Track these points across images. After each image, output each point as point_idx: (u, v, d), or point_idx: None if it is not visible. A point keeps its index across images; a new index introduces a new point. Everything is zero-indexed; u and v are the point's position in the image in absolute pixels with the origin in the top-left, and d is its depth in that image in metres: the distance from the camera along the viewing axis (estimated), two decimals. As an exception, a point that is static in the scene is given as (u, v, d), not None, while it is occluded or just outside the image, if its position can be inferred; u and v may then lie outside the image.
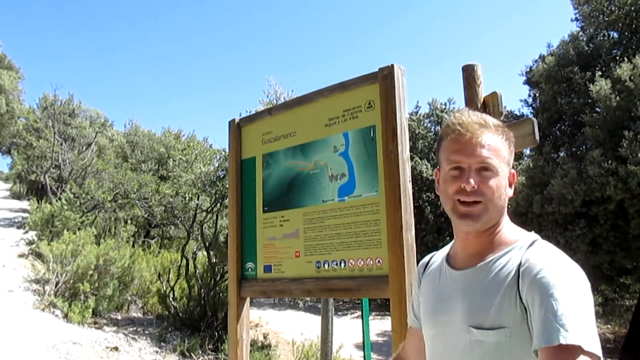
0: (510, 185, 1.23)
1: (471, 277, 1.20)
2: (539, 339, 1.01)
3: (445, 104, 17.15)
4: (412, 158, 14.84)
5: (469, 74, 2.66)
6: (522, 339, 1.07)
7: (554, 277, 1.03)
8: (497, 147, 1.18)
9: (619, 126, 8.05)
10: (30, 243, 10.95)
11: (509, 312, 1.08)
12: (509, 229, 1.24)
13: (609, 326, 13.13)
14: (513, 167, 1.26)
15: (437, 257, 1.41)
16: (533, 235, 1.21)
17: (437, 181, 1.29)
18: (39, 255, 9.63)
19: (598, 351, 0.97)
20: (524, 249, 1.15)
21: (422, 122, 16.96)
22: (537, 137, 2.50)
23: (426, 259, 1.47)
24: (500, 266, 1.15)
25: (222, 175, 8.75)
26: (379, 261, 2.35)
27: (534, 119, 2.51)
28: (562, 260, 1.09)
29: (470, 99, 2.59)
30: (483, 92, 2.65)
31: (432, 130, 16.76)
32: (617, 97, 8.11)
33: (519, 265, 1.11)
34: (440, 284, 1.30)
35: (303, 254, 2.66)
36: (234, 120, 3.17)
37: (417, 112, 17.42)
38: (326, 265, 2.54)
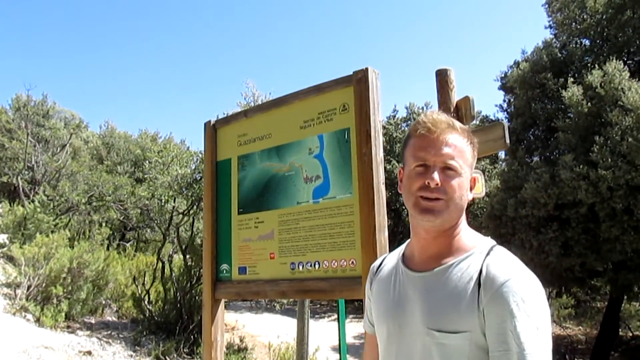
0: (470, 189, 1.25)
1: (431, 280, 1.22)
2: (498, 352, 1.07)
3: (423, 108, 17.33)
4: (389, 162, 14.96)
5: (442, 78, 2.71)
6: (482, 343, 1.11)
7: (515, 292, 1.08)
8: (462, 149, 1.22)
9: (590, 131, 8.23)
10: (1, 246, 10.71)
11: (470, 318, 1.11)
12: (466, 233, 1.27)
13: (580, 328, 13.38)
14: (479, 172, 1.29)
15: (390, 259, 1.43)
16: (490, 241, 1.25)
17: (400, 179, 1.32)
18: (10, 259, 9.43)
19: None
20: (483, 255, 1.18)
21: (399, 126, 17.12)
22: (508, 141, 2.55)
23: (377, 262, 1.49)
24: (461, 271, 1.18)
25: (199, 178, 8.70)
26: (352, 262, 2.37)
27: (505, 123, 2.57)
28: (522, 273, 1.12)
29: (443, 103, 2.64)
30: (456, 96, 2.70)
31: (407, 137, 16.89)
32: (589, 103, 8.30)
33: (480, 273, 1.14)
34: (396, 284, 1.32)
35: (278, 256, 2.67)
36: (209, 121, 3.17)
37: (394, 116, 17.59)
38: (300, 267, 2.56)
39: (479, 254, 1.19)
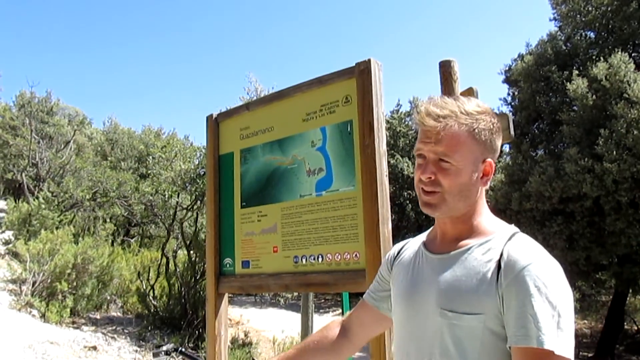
0: (486, 174, 1.21)
1: (449, 262, 1.20)
2: (516, 337, 1.04)
3: (426, 103, 17.28)
4: (393, 156, 14.93)
5: (445, 70, 2.67)
6: (495, 327, 1.08)
7: (537, 276, 1.05)
8: (459, 139, 1.16)
9: (595, 124, 8.19)
10: (6, 243, 10.76)
11: (486, 300, 1.09)
12: (488, 218, 1.25)
13: (585, 321, 13.35)
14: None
15: (412, 243, 1.42)
16: (513, 228, 1.22)
17: None
18: (15, 255, 9.47)
19: (570, 354, 1.02)
20: (504, 240, 1.16)
21: (403, 120, 17.07)
22: (513, 132, 2.52)
23: (398, 245, 1.49)
24: (480, 254, 1.16)
25: (203, 173, 8.70)
26: (356, 255, 2.35)
27: (509, 114, 2.55)
28: (545, 258, 1.10)
29: (447, 95, 2.61)
30: (459, 87, 2.67)
31: (413, 128, 16.87)
32: (594, 96, 8.25)
33: (500, 257, 1.12)
34: (416, 267, 1.31)
35: (281, 249, 2.65)
36: (211, 115, 3.15)
37: (398, 110, 17.54)
38: (304, 260, 2.54)
39: (500, 239, 1.17)
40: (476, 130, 1.18)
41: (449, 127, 1.16)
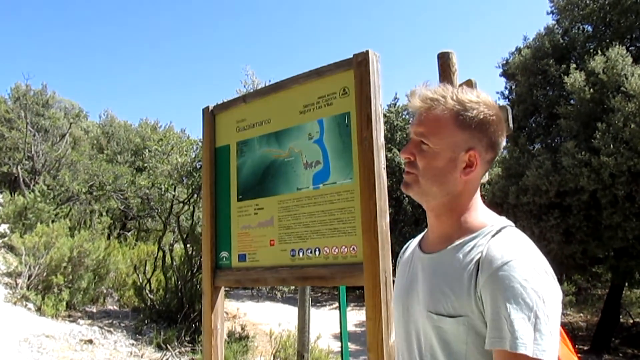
0: (469, 166, 1.15)
1: (437, 261, 1.17)
2: (490, 340, 1.00)
3: (424, 96, 17.25)
4: (390, 150, 14.92)
5: (444, 62, 2.65)
6: (481, 328, 1.05)
7: (513, 275, 1.00)
8: (439, 122, 1.14)
9: (592, 118, 8.19)
10: (2, 236, 10.72)
11: (467, 302, 1.05)
12: (477, 213, 1.19)
13: (581, 315, 13.41)
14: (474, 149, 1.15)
15: (413, 242, 1.39)
16: (503, 222, 1.16)
17: None
18: (11, 248, 9.45)
19: (549, 356, 0.96)
20: (490, 236, 1.11)
21: (400, 114, 17.05)
22: (511, 124, 2.50)
23: (405, 246, 1.46)
24: (464, 252, 1.11)
25: (199, 166, 8.66)
26: (353, 249, 2.33)
27: (508, 106, 2.52)
28: (526, 255, 1.04)
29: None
30: (458, 79, 2.65)
31: (410, 121, 16.86)
32: (591, 90, 8.25)
33: (481, 255, 1.07)
34: (410, 266, 1.29)
35: (278, 243, 2.63)
36: (207, 107, 3.11)
37: (395, 104, 17.51)
38: (301, 254, 2.52)
39: (487, 235, 1.11)
40: (461, 117, 1.14)
41: (432, 109, 1.15)
